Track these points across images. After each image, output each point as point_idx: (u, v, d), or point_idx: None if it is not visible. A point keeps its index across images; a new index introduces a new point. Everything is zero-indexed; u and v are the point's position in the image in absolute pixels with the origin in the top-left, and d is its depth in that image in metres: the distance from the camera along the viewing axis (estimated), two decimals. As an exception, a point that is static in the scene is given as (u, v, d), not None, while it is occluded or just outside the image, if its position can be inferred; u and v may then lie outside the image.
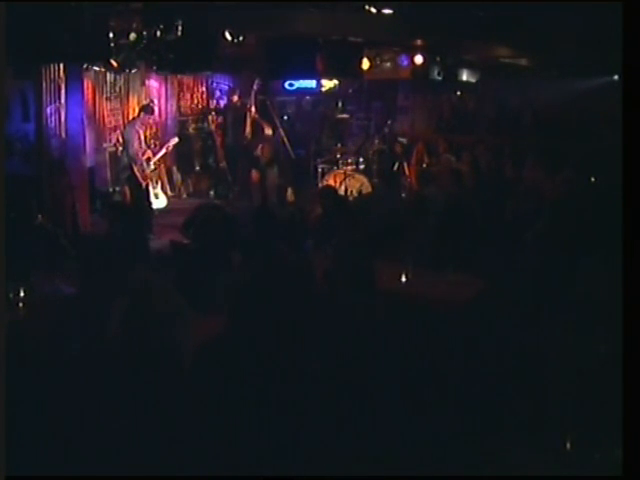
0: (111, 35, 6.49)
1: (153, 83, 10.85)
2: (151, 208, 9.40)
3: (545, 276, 5.03)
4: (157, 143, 10.58)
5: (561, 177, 8.12)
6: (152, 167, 9.35)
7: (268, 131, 10.64)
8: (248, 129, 10.21)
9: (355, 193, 9.72)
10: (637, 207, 2.74)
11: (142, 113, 9.30)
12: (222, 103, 11.84)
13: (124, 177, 9.39)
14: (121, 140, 9.42)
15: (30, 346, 3.42)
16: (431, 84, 11.26)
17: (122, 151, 9.28)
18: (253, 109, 10.30)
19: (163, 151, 9.86)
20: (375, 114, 12.57)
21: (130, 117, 9.90)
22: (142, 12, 6.61)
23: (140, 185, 9.12)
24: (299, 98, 12.79)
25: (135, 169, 9.04)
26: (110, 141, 9.91)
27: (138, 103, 10.23)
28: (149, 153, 9.34)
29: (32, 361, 3.18)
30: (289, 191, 10.37)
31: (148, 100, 10.32)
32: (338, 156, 10.60)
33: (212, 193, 11.19)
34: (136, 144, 9.05)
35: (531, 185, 8.00)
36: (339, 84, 12.20)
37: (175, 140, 10.00)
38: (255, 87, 10.38)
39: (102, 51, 6.55)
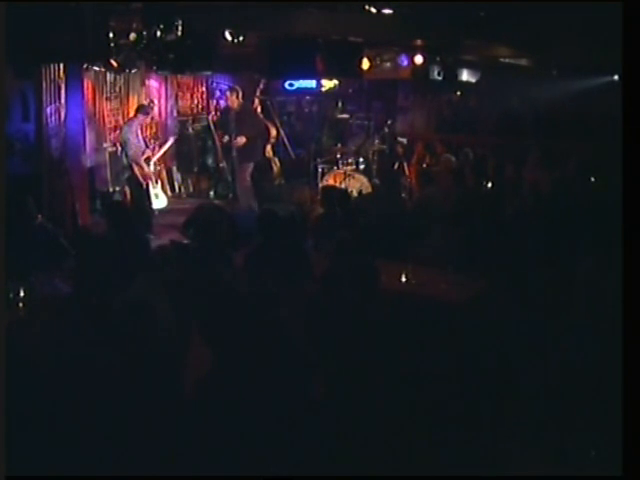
0: (111, 35, 6.48)
1: (153, 83, 10.84)
2: (151, 208, 9.41)
3: (545, 276, 5.02)
4: (157, 143, 10.59)
5: (561, 177, 8.12)
6: (152, 167, 9.37)
7: (272, 131, 10.66)
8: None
9: (355, 193, 9.71)
10: (637, 207, 2.74)
11: (138, 114, 9.34)
12: (222, 103, 11.82)
13: (124, 178, 9.42)
14: (120, 141, 9.44)
15: (30, 346, 3.42)
16: (431, 84, 11.24)
17: (121, 151, 9.30)
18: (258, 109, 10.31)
19: (162, 150, 9.89)
20: (375, 114, 12.52)
21: (130, 117, 9.92)
22: (142, 12, 6.60)
23: (141, 185, 9.14)
24: (299, 98, 12.77)
25: (135, 169, 9.07)
26: (110, 141, 9.89)
27: (138, 103, 10.23)
28: (148, 152, 9.36)
29: (32, 361, 3.18)
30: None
31: (148, 100, 10.32)
32: (338, 156, 10.57)
33: (212, 193, 11.17)
34: (134, 145, 9.07)
35: (531, 185, 8.01)
36: (339, 84, 12.18)
37: (172, 140, 10.05)
38: (261, 87, 10.37)
39: (102, 51, 6.55)
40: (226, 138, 9.67)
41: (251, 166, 9.60)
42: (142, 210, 8.60)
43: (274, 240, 5.11)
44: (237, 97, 9.48)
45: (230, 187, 10.74)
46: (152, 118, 10.36)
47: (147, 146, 9.43)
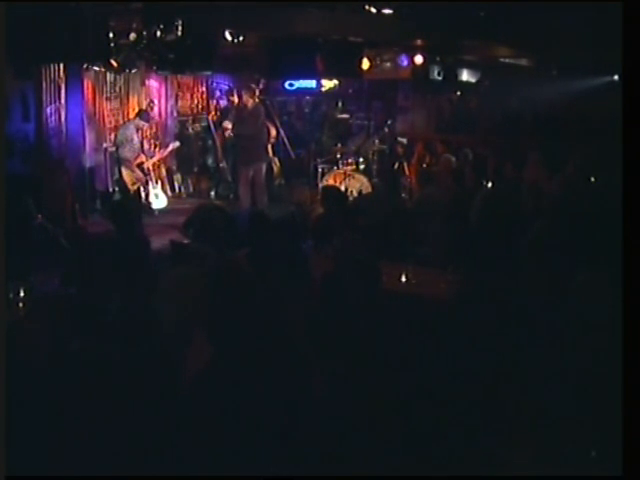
0: (111, 35, 6.49)
1: (153, 83, 10.84)
2: (150, 209, 9.40)
3: (545, 276, 5.02)
4: (156, 143, 10.60)
5: (561, 177, 8.12)
6: (146, 171, 9.34)
7: (272, 131, 10.67)
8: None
9: (355, 193, 9.72)
10: (637, 207, 2.74)
11: (137, 118, 9.34)
12: (222, 103, 11.83)
13: (115, 179, 9.43)
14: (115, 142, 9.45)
15: (30, 346, 3.42)
16: (431, 84, 11.25)
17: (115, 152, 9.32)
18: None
19: (157, 157, 9.89)
20: (375, 114, 12.54)
21: (130, 117, 9.92)
22: (142, 12, 6.61)
23: (128, 190, 9.11)
24: (299, 98, 12.79)
25: (124, 172, 9.06)
26: (110, 141, 9.90)
27: (138, 103, 10.24)
28: (142, 157, 9.32)
29: (32, 361, 3.18)
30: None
31: (148, 101, 10.32)
32: (338, 156, 10.58)
33: (212, 193, 11.18)
34: (127, 148, 9.06)
35: (531, 185, 7.99)
36: (339, 84, 12.20)
37: (176, 144, 10.04)
38: (261, 86, 10.39)
39: (102, 51, 6.56)
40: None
41: (253, 167, 9.61)
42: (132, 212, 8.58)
43: (270, 241, 5.10)
44: (252, 96, 9.41)
45: (231, 187, 10.75)
46: (152, 118, 10.36)
47: (143, 150, 9.42)
